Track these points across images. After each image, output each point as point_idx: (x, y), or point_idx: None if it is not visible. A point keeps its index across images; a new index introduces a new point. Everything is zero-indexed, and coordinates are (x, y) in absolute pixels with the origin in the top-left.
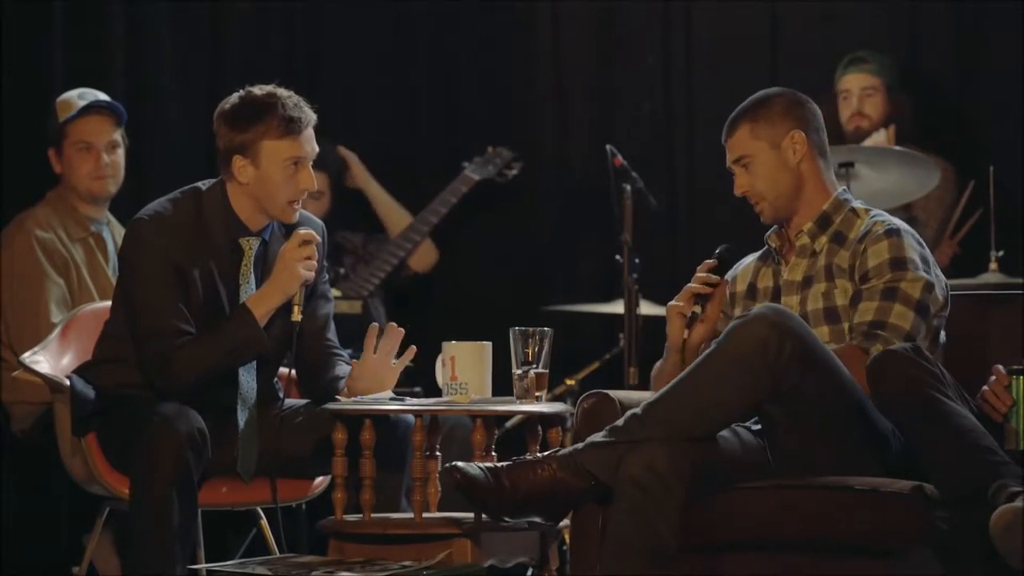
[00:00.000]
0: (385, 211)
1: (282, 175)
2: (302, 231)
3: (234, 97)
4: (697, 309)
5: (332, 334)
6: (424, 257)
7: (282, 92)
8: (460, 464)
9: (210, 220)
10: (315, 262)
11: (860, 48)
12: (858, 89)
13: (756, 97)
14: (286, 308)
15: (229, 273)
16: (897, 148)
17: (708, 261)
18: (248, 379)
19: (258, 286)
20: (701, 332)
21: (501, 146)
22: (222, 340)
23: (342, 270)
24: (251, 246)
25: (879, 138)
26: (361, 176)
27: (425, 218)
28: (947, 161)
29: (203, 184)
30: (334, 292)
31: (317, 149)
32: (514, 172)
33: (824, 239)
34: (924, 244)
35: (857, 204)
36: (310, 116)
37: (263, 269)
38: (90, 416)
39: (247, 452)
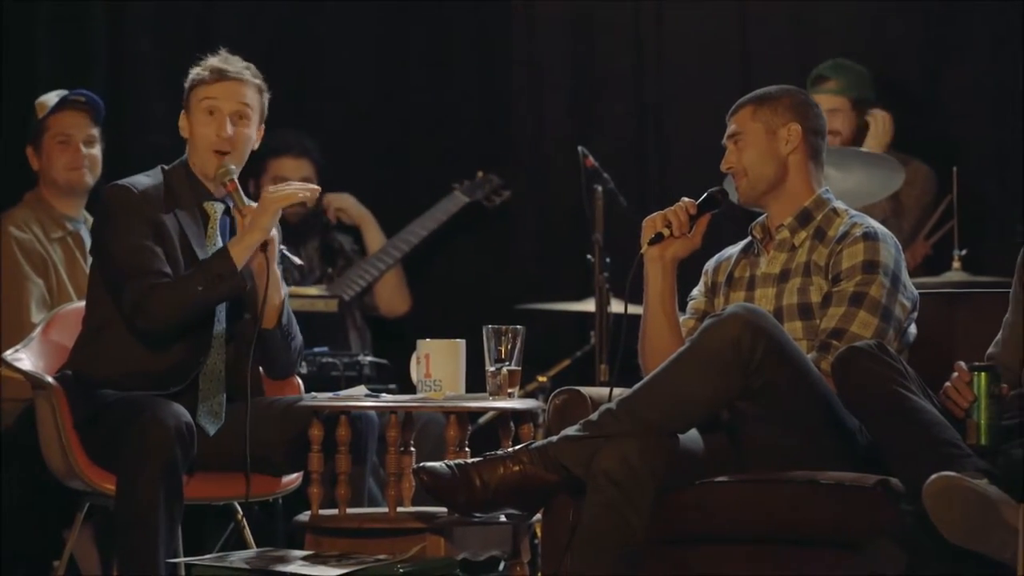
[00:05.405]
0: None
1: (200, 119)
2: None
3: None
4: (665, 231)
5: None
6: (396, 302)
7: (222, 55)
8: (428, 464)
9: (177, 188)
10: (294, 190)
11: (831, 51)
12: (823, 110)
13: (770, 87)
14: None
15: (199, 236)
16: (861, 150)
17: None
18: (221, 319)
19: None
20: (673, 251)
21: (482, 156)
22: (196, 276)
23: (330, 270)
24: (215, 210)
25: (879, 133)
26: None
27: (414, 231)
28: (925, 163)
29: (166, 165)
30: (314, 290)
31: (243, 107)
32: (502, 199)
33: (804, 234)
34: (901, 250)
35: (838, 204)
36: (239, 71)
37: (227, 236)
38: (84, 412)
39: (214, 391)
